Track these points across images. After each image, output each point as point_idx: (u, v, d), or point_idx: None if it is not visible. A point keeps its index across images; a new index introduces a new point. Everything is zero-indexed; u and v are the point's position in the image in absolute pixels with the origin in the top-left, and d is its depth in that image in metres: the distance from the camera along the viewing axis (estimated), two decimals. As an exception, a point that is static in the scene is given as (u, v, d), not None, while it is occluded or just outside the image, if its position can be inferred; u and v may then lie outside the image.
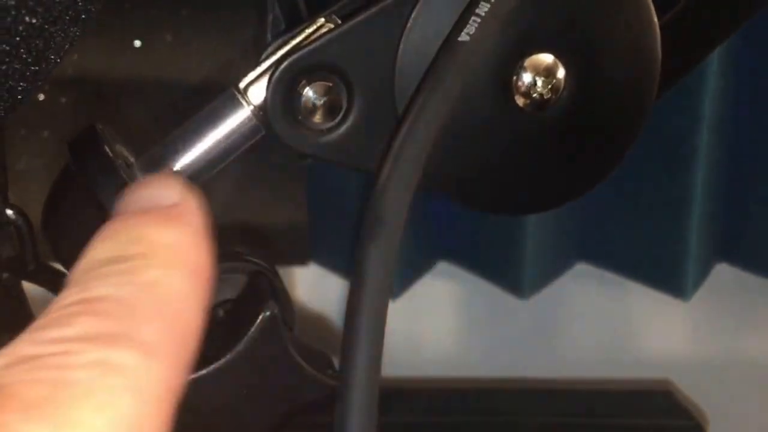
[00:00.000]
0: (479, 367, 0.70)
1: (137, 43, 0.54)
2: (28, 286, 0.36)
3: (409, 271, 0.68)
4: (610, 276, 0.67)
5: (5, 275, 0.34)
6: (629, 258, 0.66)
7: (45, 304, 0.37)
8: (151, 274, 0.19)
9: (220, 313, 0.27)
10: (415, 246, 0.67)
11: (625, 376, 0.67)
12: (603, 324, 0.70)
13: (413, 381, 0.67)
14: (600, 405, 0.54)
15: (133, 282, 0.19)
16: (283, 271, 0.68)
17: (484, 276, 0.68)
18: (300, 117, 0.27)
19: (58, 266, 0.34)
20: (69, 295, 0.19)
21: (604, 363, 0.69)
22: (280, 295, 0.28)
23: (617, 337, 0.70)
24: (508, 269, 0.66)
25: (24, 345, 0.18)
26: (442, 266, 0.70)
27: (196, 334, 0.19)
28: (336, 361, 0.26)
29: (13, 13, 0.19)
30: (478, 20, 0.25)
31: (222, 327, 0.24)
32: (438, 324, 0.71)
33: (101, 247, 0.20)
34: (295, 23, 0.29)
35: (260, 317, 0.25)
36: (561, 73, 0.28)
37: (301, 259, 0.69)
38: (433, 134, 0.24)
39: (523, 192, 0.29)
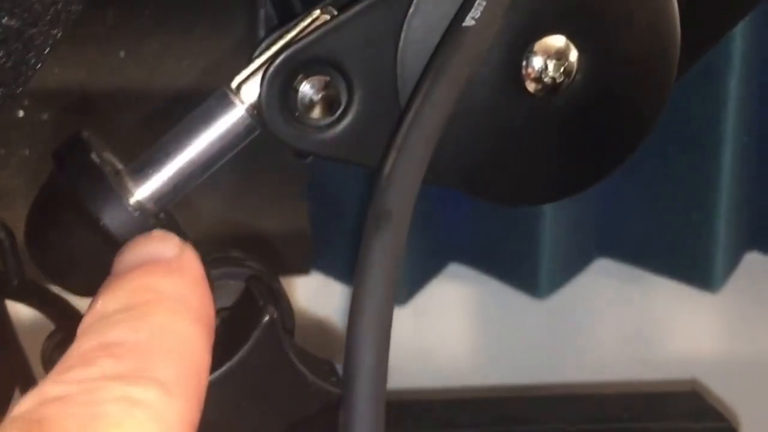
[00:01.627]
0: (494, 372, 0.70)
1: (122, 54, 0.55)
2: (14, 306, 0.37)
3: (417, 273, 0.68)
4: (632, 271, 0.67)
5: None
6: (652, 250, 0.66)
7: (31, 322, 0.37)
8: (159, 319, 0.22)
9: (217, 321, 0.27)
10: (423, 247, 0.67)
11: (649, 377, 0.67)
12: (625, 322, 0.70)
13: (425, 392, 0.67)
14: (623, 409, 0.54)
15: (145, 327, 0.22)
16: (285, 281, 0.69)
17: (498, 276, 0.68)
18: (297, 114, 0.27)
19: (43, 283, 0.34)
20: (85, 342, 0.22)
21: (628, 364, 0.69)
22: (280, 301, 0.28)
23: (641, 335, 0.70)
24: (523, 268, 0.66)
25: (51, 385, 0.20)
26: (453, 267, 0.70)
27: (205, 373, 0.22)
28: (340, 369, 0.26)
29: (-10, 15, 0.19)
30: (484, 3, 0.25)
31: (219, 336, 0.24)
32: (450, 329, 0.71)
33: (109, 298, 0.23)
34: (288, 19, 0.29)
35: (259, 324, 0.25)
36: (573, 55, 0.28)
37: (303, 268, 0.69)
38: (439, 124, 0.24)
39: (536, 181, 0.29)
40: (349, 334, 0.21)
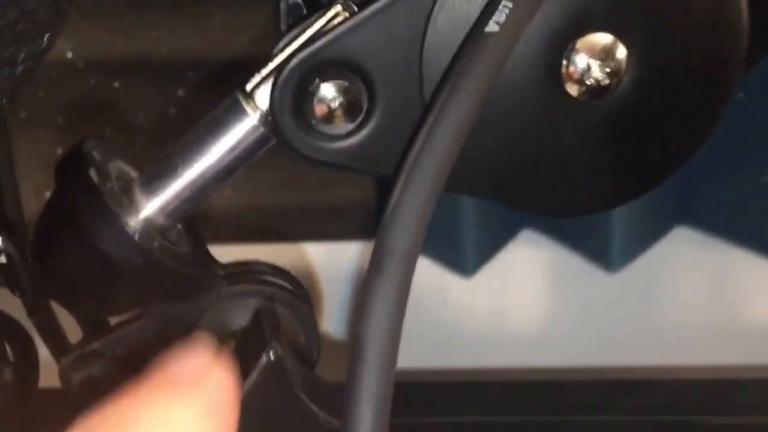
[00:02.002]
0: (563, 348, 0.68)
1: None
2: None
3: (490, 240, 0.66)
4: (713, 242, 0.64)
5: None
6: (735, 220, 0.63)
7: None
8: None
9: (231, 345, 0.25)
10: (496, 213, 0.65)
11: (727, 362, 0.64)
12: (704, 298, 0.67)
13: (482, 372, 0.66)
14: (696, 399, 0.51)
15: None
16: (356, 245, 0.68)
17: (570, 245, 0.65)
18: (313, 122, 0.25)
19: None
20: None
21: (706, 345, 0.66)
22: (303, 322, 0.27)
23: (721, 313, 0.67)
24: (595, 238, 0.63)
25: None
26: (527, 233, 0.68)
27: None
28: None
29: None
30: (510, 5, 0.22)
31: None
32: (520, 300, 0.69)
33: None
34: (315, 10, 0.27)
35: (260, 362, 0.23)
36: (621, 53, 0.25)
37: (371, 234, 0.68)
38: (455, 143, 0.21)
39: (581, 191, 0.27)
40: (349, 388, 0.19)
